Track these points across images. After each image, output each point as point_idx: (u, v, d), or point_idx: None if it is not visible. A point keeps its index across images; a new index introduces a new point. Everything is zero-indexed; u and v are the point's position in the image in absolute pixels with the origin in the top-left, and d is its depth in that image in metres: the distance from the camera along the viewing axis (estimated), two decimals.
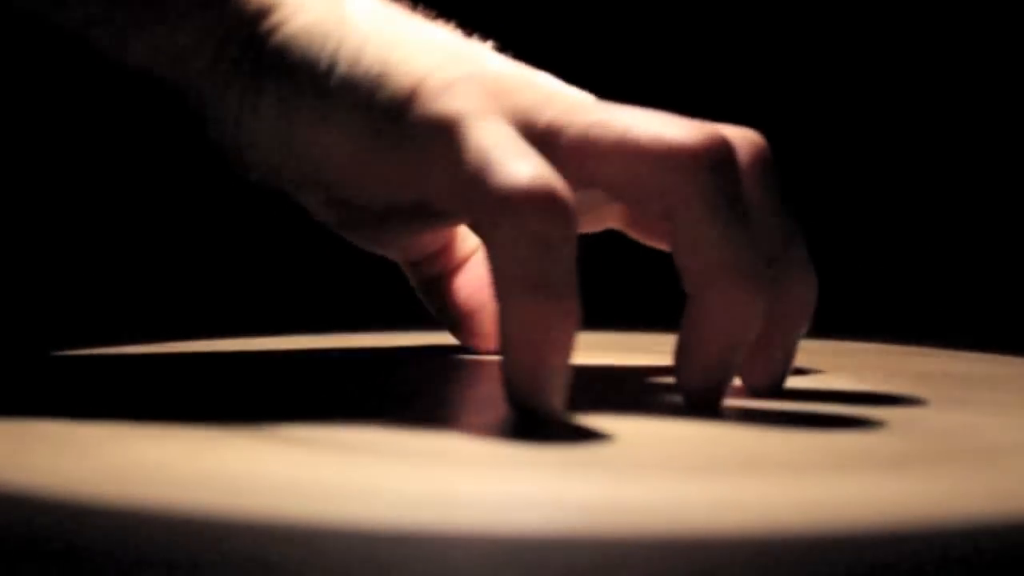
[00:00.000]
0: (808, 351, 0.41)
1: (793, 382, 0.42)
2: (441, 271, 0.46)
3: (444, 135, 0.36)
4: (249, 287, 0.79)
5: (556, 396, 0.34)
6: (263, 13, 0.39)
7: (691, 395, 0.37)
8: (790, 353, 0.40)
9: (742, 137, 0.39)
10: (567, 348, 0.34)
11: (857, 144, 0.83)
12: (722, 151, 0.37)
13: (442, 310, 0.47)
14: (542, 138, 0.37)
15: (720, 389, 0.37)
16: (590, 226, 0.43)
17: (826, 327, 0.56)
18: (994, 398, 0.42)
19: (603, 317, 0.51)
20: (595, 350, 0.50)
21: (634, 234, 0.44)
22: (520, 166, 0.34)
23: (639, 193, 0.37)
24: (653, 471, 0.30)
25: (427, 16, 0.41)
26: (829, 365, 0.47)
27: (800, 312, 0.39)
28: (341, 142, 0.38)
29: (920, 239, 0.83)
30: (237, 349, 0.52)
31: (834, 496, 0.28)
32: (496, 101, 0.37)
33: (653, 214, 0.38)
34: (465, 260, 0.46)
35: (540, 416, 0.35)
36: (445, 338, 0.49)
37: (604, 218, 0.43)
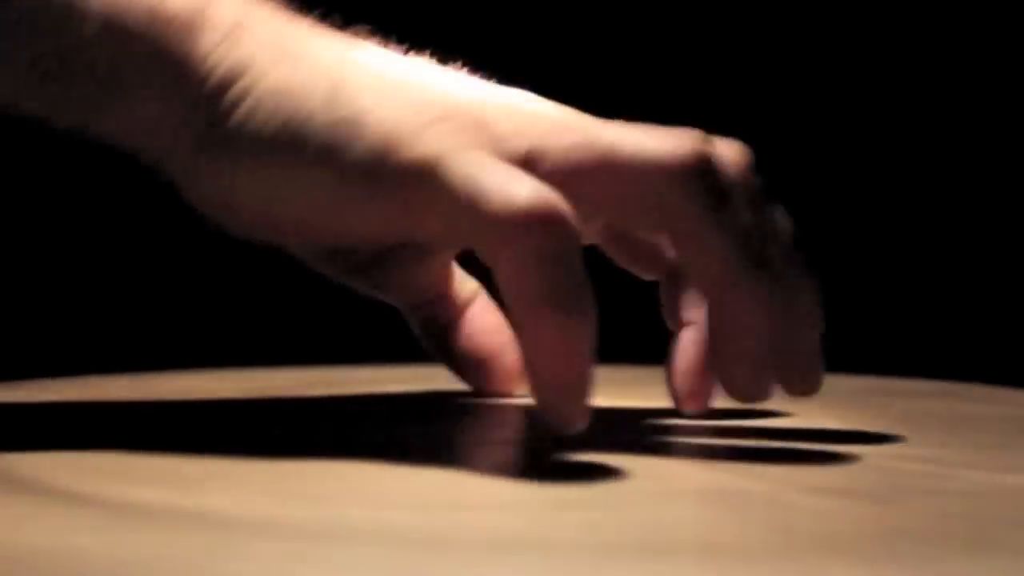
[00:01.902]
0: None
1: (780, 422, 0.43)
2: (444, 319, 0.47)
3: (426, 178, 0.36)
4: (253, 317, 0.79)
5: (583, 403, 0.34)
6: (227, 83, 0.39)
7: (742, 399, 0.38)
8: (818, 352, 0.39)
9: (726, 146, 0.39)
10: (589, 354, 0.34)
11: (859, 179, 0.84)
12: (707, 156, 0.37)
13: (449, 357, 0.47)
14: (525, 165, 0.37)
15: (769, 386, 0.38)
16: None
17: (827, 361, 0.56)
18: (975, 440, 0.42)
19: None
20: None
21: (611, 251, 0.43)
22: (514, 187, 0.34)
23: (628, 209, 0.37)
24: (582, 553, 0.28)
25: (388, 41, 0.40)
26: (818, 405, 0.46)
27: (814, 309, 0.39)
28: (320, 196, 0.38)
29: (918, 269, 0.83)
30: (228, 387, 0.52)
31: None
32: (472, 135, 0.37)
33: (642, 228, 0.37)
34: (466, 306, 0.47)
35: (567, 426, 0.34)
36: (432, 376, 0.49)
37: (584, 233, 0.42)
